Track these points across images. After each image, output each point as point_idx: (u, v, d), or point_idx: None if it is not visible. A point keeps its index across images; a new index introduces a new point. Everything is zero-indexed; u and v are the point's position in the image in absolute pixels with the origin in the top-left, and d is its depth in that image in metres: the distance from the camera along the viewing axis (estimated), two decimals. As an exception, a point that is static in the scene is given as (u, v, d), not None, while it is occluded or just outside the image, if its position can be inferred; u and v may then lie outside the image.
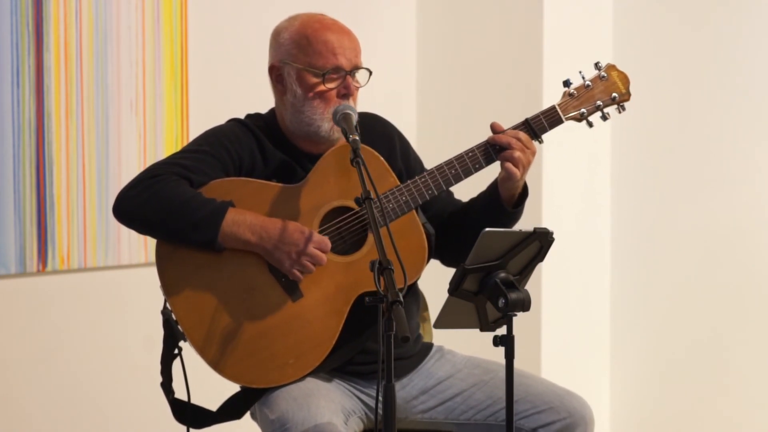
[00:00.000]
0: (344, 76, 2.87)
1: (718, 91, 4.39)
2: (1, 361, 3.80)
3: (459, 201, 3.07)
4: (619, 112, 3.00)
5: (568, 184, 4.51)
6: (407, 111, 4.73)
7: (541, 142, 2.91)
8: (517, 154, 2.85)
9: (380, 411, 2.39)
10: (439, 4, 4.76)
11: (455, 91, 4.74)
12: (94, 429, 3.99)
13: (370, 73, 2.92)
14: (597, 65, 2.98)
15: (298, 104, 2.90)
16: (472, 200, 3.01)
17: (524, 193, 2.94)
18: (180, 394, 2.89)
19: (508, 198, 2.92)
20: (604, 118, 2.99)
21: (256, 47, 4.17)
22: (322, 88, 2.87)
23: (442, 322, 2.64)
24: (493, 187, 2.93)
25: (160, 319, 2.86)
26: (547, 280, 4.41)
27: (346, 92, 2.87)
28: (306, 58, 2.89)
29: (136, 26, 3.97)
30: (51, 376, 3.89)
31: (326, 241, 2.79)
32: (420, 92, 4.81)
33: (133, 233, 3.91)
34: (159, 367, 2.87)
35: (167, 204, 2.76)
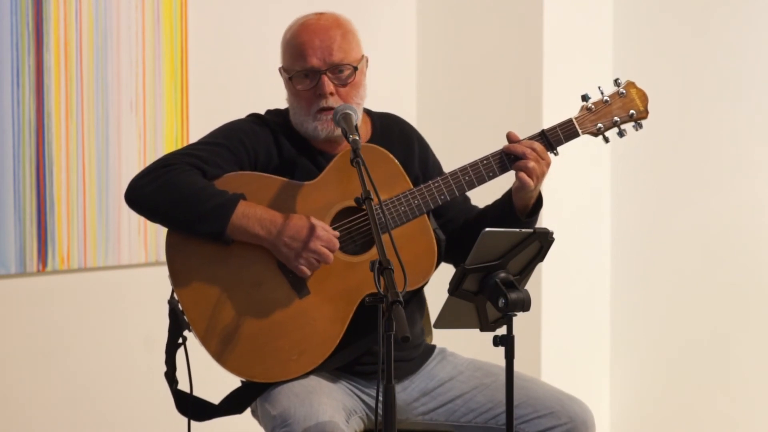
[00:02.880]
0: (319, 77, 2.87)
1: (717, 91, 4.39)
2: (1, 361, 3.80)
3: (475, 207, 3.06)
4: (636, 130, 2.98)
5: (568, 184, 4.50)
6: (407, 111, 4.73)
7: (556, 154, 2.91)
8: (532, 164, 2.84)
9: (380, 411, 2.39)
10: (439, 4, 4.76)
11: (455, 90, 4.73)
12: (94, 429, 3.99)
13: (355, 69, 2.89)
14: (617, 81, 2.96)
15: (291, 105, 2.94)
16: (487, 208, 3.01)
17: (538, 203, 2.94)
18: (183, 385, 2.89)
19: (522, 207, 2.91)
20: (621, 134, 2.97)
21: (256, 47, 4.19)
22: (296, 90, 2.89)
23: (442, 322, 2.64)
24: (508, 195, 2.93)
25: (160, 319, 2.86)
26: (547, 280, 4.40)
27: (321, 92, 2.86)
28: (285, 61, 2.93)
29: (136, 26, 3.97)
30: (51, 375, 3.89)
31: (334, 240, 2.79)
32: (420, 92, 4.81)
33: (133, 233, 3.91)
34: (159, 368, 2.87)
35: (178, 193, 2.76)
